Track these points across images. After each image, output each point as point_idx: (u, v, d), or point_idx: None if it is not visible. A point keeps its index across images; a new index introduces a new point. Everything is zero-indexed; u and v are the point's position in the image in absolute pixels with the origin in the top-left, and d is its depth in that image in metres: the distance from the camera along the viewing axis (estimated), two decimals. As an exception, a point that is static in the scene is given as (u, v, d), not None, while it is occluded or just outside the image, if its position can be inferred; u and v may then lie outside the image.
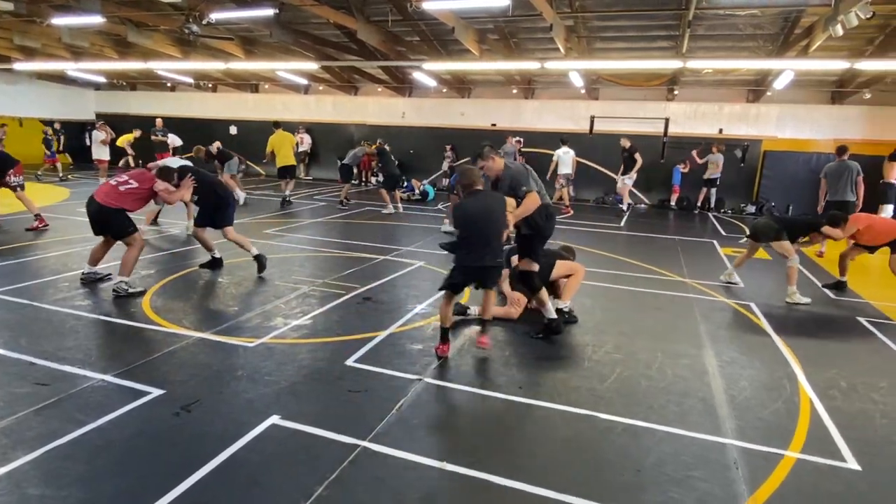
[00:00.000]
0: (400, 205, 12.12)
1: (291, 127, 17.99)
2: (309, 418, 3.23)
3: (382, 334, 4.62)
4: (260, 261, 6.31)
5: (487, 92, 16.91)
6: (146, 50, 13.98)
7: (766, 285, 6.95)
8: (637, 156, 12.89)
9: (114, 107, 21.19)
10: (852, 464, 3.02)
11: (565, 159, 13.24)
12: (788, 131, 14.20)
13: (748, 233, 6.60)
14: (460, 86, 16.80)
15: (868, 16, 6.74)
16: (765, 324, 5.35)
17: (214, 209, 6.37)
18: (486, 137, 15.58)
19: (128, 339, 4.38)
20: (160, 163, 6.87)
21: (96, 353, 4.10)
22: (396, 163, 16.84)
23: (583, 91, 15.15)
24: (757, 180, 14.41)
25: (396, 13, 10.64)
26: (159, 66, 15.40)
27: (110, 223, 5.42)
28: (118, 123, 19.20)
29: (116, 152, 15.40)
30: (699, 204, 14.21)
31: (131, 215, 5.53)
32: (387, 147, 13.03)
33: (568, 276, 5.25)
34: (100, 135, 14.03)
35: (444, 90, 16.86)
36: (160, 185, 5.55)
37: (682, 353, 4.56)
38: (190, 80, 19.24)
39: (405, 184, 16.24)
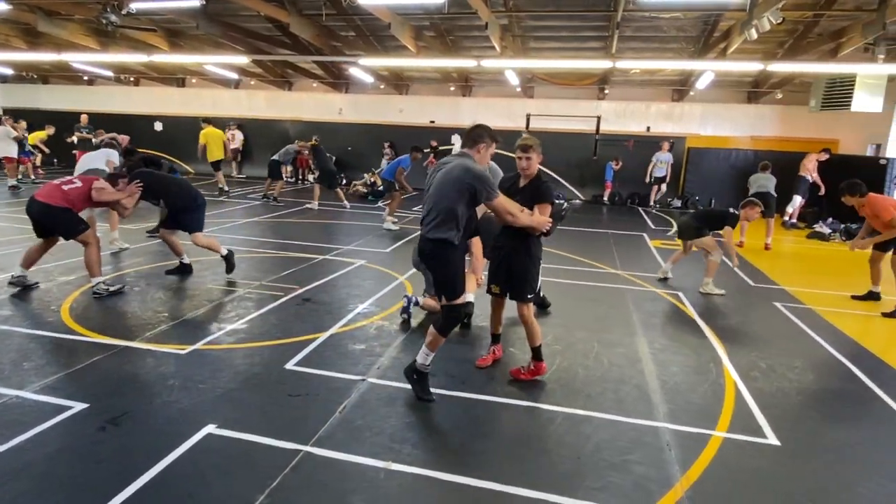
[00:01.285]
0: (346, 202, 12.00)
1: (222, 123, 17.33)
2: (247, 425, 3.12)
3: (323, 336, 4.53)
4: (229, 261, 6.10)
5: (425, 89, 16.90)
6: (59, 40, 13.02)
7: (694, 275, 7.32)
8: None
9: (23, 101, 19.60)
10: (772, 439, 3.24)
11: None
12: (710, 129, 15.04)
13: (677, 233, 6.96)
14: (398, 82, 16.71)
15: (779, 21, 7.23)
16: (692, 312, 5.65)
17: (179, 212, 6.05)
18: (425, 135, 15.62)
19: (46, 351, 4.08)
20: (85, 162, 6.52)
21: (10, 367, 3.78)
22: (333, 159, 16.63)
23: (518, 89, 15.43)
24: (682, 175, 15.16)
25: (330, 7, 10.45)
26: (74, 59, 14.41)
27: (57, 223, 5.23)
28: (28, 119, 17.85)
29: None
30: (652, 202, 14.60)
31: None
32: (321, 145, 12.81)
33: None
34: (10, 131, 12.93)
35: (382, 87, 16.71)
36: (98, 184, 5.31)
37: (617, 342, 4.74)
38: (109, 74, 18.09)
39: (343, 181, 16.03)
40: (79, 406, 3.24)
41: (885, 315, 5.80)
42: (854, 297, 6.30)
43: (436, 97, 16.66)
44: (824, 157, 11.44)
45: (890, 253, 6.00)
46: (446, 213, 3.31)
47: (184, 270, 6.18)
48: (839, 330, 5.31)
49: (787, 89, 13.85)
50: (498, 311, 4.11)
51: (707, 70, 11.58)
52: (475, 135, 3.49)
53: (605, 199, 14.97)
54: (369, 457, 2.88)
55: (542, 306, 5.51)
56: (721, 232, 6.46)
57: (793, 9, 8.99)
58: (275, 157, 12.58)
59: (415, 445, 3.05)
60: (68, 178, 5.44)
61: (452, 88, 16.35)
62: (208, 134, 12.78)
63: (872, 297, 6.19)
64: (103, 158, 7.31)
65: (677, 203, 14.84)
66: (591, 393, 3.75)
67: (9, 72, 18.63)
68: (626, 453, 3.03)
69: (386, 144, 16.16)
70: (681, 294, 6.25)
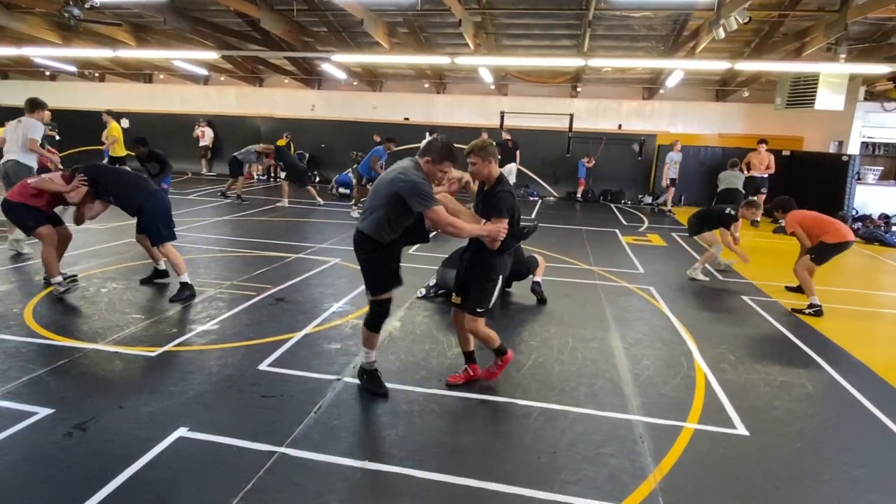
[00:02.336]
0: (320, 199, 11.98)
1: (191, 119, 17.00)
2: (220, 428, 3.07)
3: (298, 335, 4.48)
4: (183, 290, 5.23)
5: (399, 86, 16.82)
6: (19, 34, 12.54)
7: (664, 270, 7.47)
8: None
9: (-19, 97, 18.89)
10: (742, 430, 3.33)
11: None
12: (680, 126, 15.32)
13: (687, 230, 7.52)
14: (371, 79, 16.59)
15: (745, 20, 7.39)
16: (663, 306, 5.75)
17: (135, 213, 5.29)
18: (400, 131, 15.53)
19: (8, 356, 3.93)
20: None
21: (-32, 373, 3.65)
22: (307, 156, 16.44)
23: (492, 87, 15.47)
24: (653, 172, 15.41)
25: (302, 2, 10.32)
26: (35, 53, 13.91)
27: (12, 218, 5.26)
28: (-13, 115, 17.20)
29: None
30: (670, 207, 13.88)
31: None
32: (291, 142, 12.69)
33: None
34: None
35: (355, 83, 16.57)
36: (46, 175, 5.26)
37: (591, 336, 4.80)
38: (73, 69, 17.53)
39: (317, 178, 15.86)
40: (44, 412, 3.14)
41: (788, 289, 6.37)
42: (788, 288, 6.48)
43: (410, 94, 16.61)
44: (763, 147, 11.74)
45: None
46: (376, 211, 3.31)
47: (159, 276, 5.74)
48: (805, 323, 5.47)
49: (753, 88, 14.20)
50: (459, 324, 3.77)
51: (676, 69, 11.78)
52: (425, 148, 3.36)
53: (579, 196, 15.13)
54: (345, 456, 2.86)
55: (540, 301, 5.65)
56: (716, 231, 7.09)
57: (759, 9, 9.21)
58: (236, 154, 12.39)
59: (391, 444, 3.04)
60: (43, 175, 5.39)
61: (426, 85, 16.31)
62: (117, 129, 11.70)
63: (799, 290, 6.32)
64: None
65: (648, 199, 15.07)
66: (566, 387, 3.79)
67: (-35, 66, 17.94)
68: (601, 446, 3.07)
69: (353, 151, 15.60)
70: (652, 289, 6.35)
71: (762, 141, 11.83)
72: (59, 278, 5.18)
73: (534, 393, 3.68)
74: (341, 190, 13.89)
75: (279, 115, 17.20)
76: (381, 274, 3.49)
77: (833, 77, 10.92)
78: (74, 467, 2.68)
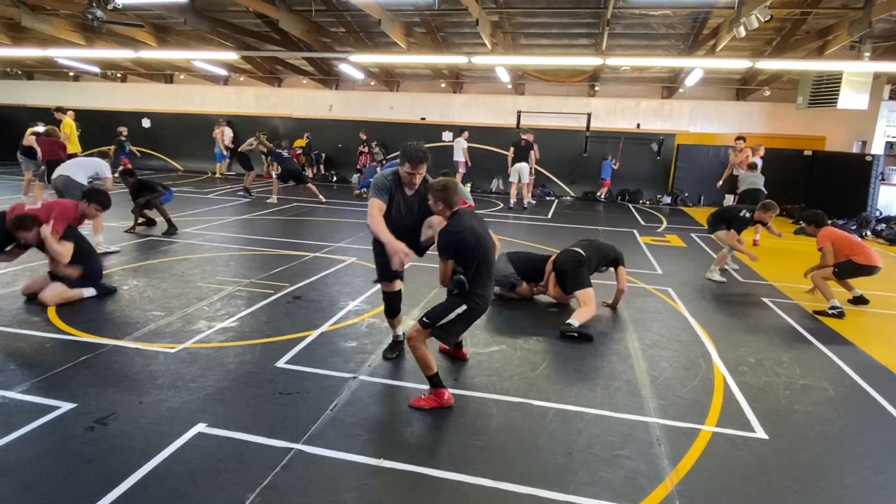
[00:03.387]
0: (321, 196, 12.26)
1: (211, 119, 17.21)
2: (238, 424, 3.11)
3: (314, 333, 4.52)
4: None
5: (416, 86, 16.85)
6: (44, 36, 12.81)
7: (682, 271, 7.38)
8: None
9: (7, 97, 19.33)
10: (760, 433, 3.28)
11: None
12: (699, 125, 15.13)
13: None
14: (388, 79, 16.64)
15: (767, 18, 7.28)
16: (682, 307, 5.69)
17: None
18: (416, 131, 15.61)
19: (33, 351, 4.03)
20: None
21: (-5, 367, 3.74)
22: (322, 156, 16.74)
23: (509, 86, 15.43)
24: (672, 172, 15.25)
25: (320, 3, 10.40)
26: (60, 54, 14.20)
27: None
28: (13, 116, 17.63)
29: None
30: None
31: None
32: (311, 142, 12.92)
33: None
34: None
35: (372, 83, 16.64)
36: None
37: (608, 337, 4.77)
38: (96, 70, 17.86)
39: (334, 177, 16.04)
40: (66, 406, 3.21)
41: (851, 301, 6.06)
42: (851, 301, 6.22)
43: (426, 94, 16.62)
44: (742, 144, 10.90)
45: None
46: None
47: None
48: (826, 325, 5.37)
49: (774, 87, 13.97)
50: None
51: (696, 67, 11.64)
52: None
53: (602, 196, 14.94)
54: (361, 454, 2.88)
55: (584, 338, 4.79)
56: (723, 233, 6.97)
57: (780, 6, 9.06)
58: (239, 149, 12.99)
59: (406, 442, 3.05)
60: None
61: (443, 85, 16.31)
62: (70, 125, 11.04)
63: (860, 301, 6.13)
64: (92, 170, 7.22)
65: (667, 199, 14.92)
66: (582, 389, 3.77)
67: (-8, 68, 18.37)
68: (617, 448, 3.05)
69: (374, 143, 16.03)
70: (671, 290, 6.29)
71: (740, 137, 11.07)
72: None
73: (549, 393, 3.67)
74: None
75: (297, 115, 17.34)
76: (376, 263, 3.87)
77: (857, 75, 10.70)
78: (96, 461, 2.73)
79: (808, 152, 14.25)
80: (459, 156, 14.10)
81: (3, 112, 18.53)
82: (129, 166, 10.92)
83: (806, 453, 3.13)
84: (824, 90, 11.20)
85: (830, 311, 5.61)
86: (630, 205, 14.59)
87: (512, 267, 5.60)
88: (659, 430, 3.26)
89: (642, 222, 11.57)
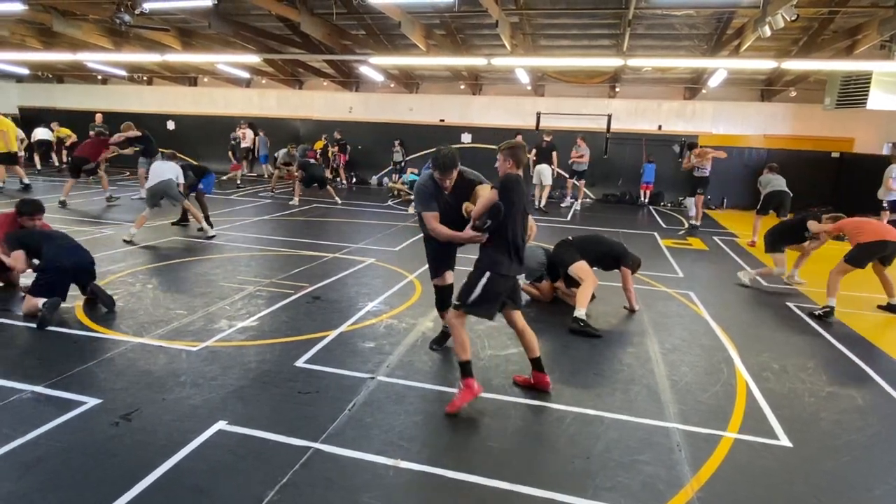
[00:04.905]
0: (338, 198, 12.50)
1: (233, 121, 17.46)
2: (258, 422, 3.14)
3: (333, 333, 4.55)
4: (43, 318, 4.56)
5: (435, 87, 16.90)
6: (74, 40, 13.16)
7: (704, 275, 7.28)
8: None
9: (38, 101, 19.87)
10: (784, 441, 3.21)
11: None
12: (722, 127, 14.90)
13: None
14: (408, 81, 16.71)
15: (793, 18, 7.15)
16: (703, 311, 5.60)
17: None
18: (436, 133, 15.66)
19: (60, 348, 4.13)
20: None
21: (24, 362, 3.84)
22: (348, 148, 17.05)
23: (529, 87, 15.38)
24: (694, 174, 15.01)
25: (341, 6, 10.48)
26: (89, 58, 14.57)
27: None
28: (44, 118, 18.09)
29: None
30: None
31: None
32: (328, 144, 13.16)
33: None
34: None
35: (392, 85, 16.73)
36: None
37: (627, 341, 4.72)
38: (123, 73, 18.27)
39: (354, 179, 16.18)
40: (92, 401, 3.28)
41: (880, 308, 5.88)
42: (880, 308, 6.06)
43: (446, 95, 16.66)
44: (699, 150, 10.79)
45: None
46: None
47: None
48: (853, 331, 5.25)
49: (801, 87, 13.70)
50: (512, 325, 3.72)
51: (719, 68, 11.47)
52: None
53: (645, 199, 14.80)
54: (378, 454, 2.89)
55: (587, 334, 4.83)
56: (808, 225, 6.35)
57: (807, 6, 8.89)
58: (278, 162, 13.62)
59: (423, 443, 3.05)
60: None
61: (462, 87, 16.33)
62: (5, 122, 11.49)
63: (894, 309, 5.96)
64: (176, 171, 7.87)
65: (689, 202, 14.70)
66: (601, 393, 3.73)
67: (25, 71, 18.87)
68: (636, 453, 3.01)
69: (396, 142, 16.18)
70: (692, 294, 6.20)
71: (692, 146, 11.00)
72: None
73: (568, 397, 3.64)
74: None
75: (317, 116, 17.51)
76: (428, 261, 4.23)
77: (887, 75, 10.44)
78: (120, 456, 2.79)
79: (835, 154, 13.94)
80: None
81: (35, 114, 19.03)
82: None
83: (832, 462, 3.06)
84: (853, 90, 10.95)
85: (819, 311, 5.56)
86: (651, 207, 14.42)
87: (545, 258, 5.59)
88: (679, 436, 3.21)
89: (663, 225, 11.43)
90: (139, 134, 10.79)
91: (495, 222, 3.43)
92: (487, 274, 3.43)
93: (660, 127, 15.16)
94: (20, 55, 14.98)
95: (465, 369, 3.46)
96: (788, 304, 6.04)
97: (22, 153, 13.26)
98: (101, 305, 4.90)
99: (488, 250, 3.52)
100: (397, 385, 3.72)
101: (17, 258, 4.88)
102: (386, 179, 16.53)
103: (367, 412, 3.34)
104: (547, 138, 13.15)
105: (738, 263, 7.90)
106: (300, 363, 3.96)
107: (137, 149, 11.02)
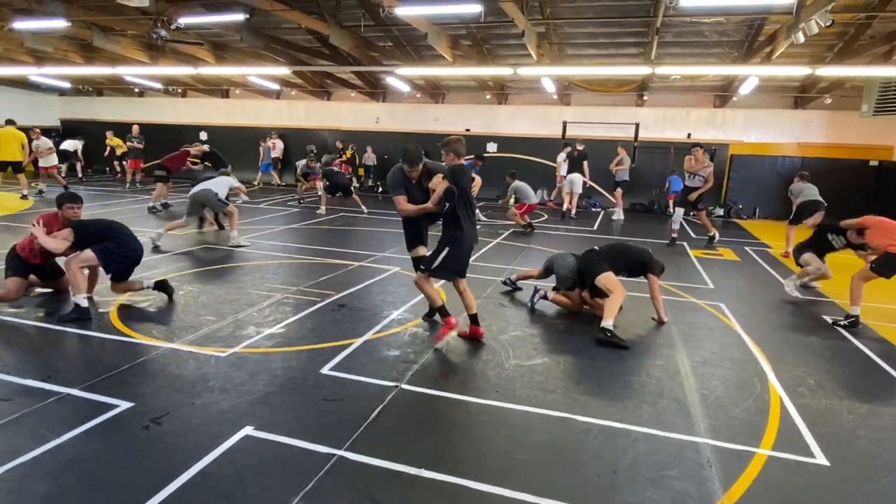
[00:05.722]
0: (364, 207, 12.61)
1: (264, 132, 17.84)
2: (283, 428, 3.17)
3: (358, 341, 4.58)
4: (72, 314, 4.83)
5: (461, 97, 16.98)
6: (113, 55, 13.66)
7: (735, 286, 7.11)
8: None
9: (79, 113, 20.64)
10: (821, 459, 3.10)
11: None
12: (754, 135, 14.60)
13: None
14: (434, 91, 16.84)
15: (827, 24, 6.98)
16: (735, 324, 5.47)
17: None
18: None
19: (94, 352, 4.25)
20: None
21: (61, 366, 3.96)
22: (371, 164, 17.21)
23: (555, 97, 15.34)
24: (725, 183, 14.75)
25: (369, 18, 10.63)
26: (127, 72, 15.06)
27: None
28: (84, 130, 18.77)
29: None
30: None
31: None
32: (356, 153, 13.37)
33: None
34: (47, 142, 13.38)
35: (418, 95, 16.88)
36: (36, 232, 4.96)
37: (656, 353, 4.63)
38: (159, 86, 18.85)
39: (380, 187, 16.33)
40: (124, 405, 3.36)
41: None
42: None
43: (471, 105, 16.73)
44: (700, 152, 9.72)
45: None
46: None
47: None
48: (894, 345, 5.05)
49: (836, 94, 13.34)
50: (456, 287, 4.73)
51: (751, 75, 11.26)
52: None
53: (673, 210, 14.47)
54: (402, 463, 2.88)
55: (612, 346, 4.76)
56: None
57: (843, 11, 8.67)
58: (298, 172, 13.93)
59: (446, 453, 3.04)
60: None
61: (488, 96, 16.38)
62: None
63: None
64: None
65: (720, 212, 14.43)
66: (628, 405, 3.67)
67: (67, 85, 19.63)
68: (665, 468, 2.94)
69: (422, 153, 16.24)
70: (723, 305, 6.06)
71: (697, 145, 9.95)
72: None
73: (594, 409, 3.59)
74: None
75: (345, 127, 17.76)
76: (405, 239, 5.18)
77: (928, 81, 10.10)
78: (149, 459, 2.85)
79: (873, 162, 13.53)
80: (562, 169, 14.03)
81: (76, 126, 19.76)
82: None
83: (871, 482, 2.94)
84: (892, 97, 10.62)
85: (842, 322, 5.38)
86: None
87: (576, 265, 5.56)
88: (710, 452, 3.13)
89: (693, 234, 11.22)
90: (206, 150, 11.21)
91: (452, 203, 4.43)
92: (447, 249, 4.48)
93: (689, 135, 14.93)
94: (63, 70, 15.59)
95: (443, 311, 4.52)
96: (825, 317, 5.85)
97: (55, 164, 13.81)
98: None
99: (448, 230, 4.54)
100: (421, 394, 3.72)
101: (61, 238, 4.93)
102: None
103: (391, 420, 3.34)
104: (579, 147, 13.12)
105: (770, 274, 7.70)
106: (325, 370, 3.99)
107: (208, 165, 11.60)
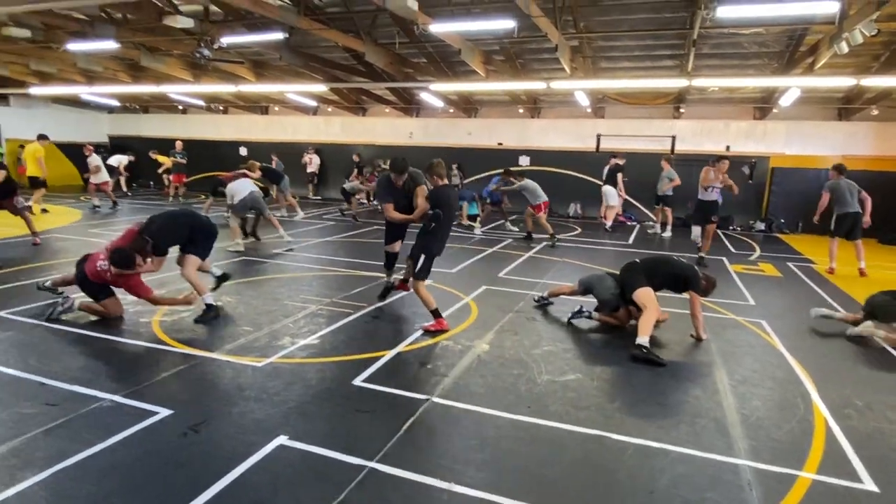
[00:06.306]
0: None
1: (301, 147, 18.24)
2: (316, 439, 3.21)
3: (390, 353, 4.61)
4: (208, 312, 5.32)
5: (493, 111, 17.06)
6: (159, 74, 14.26)
7: (778, 303, 6.88)
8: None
9: (126, 129, 21.55)
10: (869, 485, 2.96)
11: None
12: (796, 147, 14.18)
13: (866, 310, 5.63)
14: (467, 106, 16.97)
15: (873, 33, 6.78)
16: (777, 342, 5.29)
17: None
18: (493, 157, 15.79)
19: (137, 359, 4.40)
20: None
21: (105, 372, 4.11)
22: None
23: (588, 110, 15.25)
24: (766, 197, 14.35)
25: (404, 36, 10.82)
26: (172, 90, 15.70)
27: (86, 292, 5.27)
28: (130, 145, 19.58)
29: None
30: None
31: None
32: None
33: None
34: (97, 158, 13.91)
35: (451, 110, 17.03)
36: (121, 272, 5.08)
37: (694, 371, 4.51)
38: (201, 103, 19.56)
39: None
40: (164, 412, 3.46)
41: None
42: None
43: (504, 119, 16.77)
44: (726, 165, 8.98)
45: None
46: None
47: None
48: (950, 367, 4.80)
49: (883, 104, 12.87)
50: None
51: (792, 86, 10.98)
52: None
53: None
54: (433, 477, 2.88)
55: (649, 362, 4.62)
56: None
57: (888, 20, 8.39)
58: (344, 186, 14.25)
59: (478, 468, 3.02)
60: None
61: (521, 110, 16.40)
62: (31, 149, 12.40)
63: None
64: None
65: (761, 226, 14.03)
66: (664, 424, 3.58)
67: (115, 103, 20.57)
68: (704, 490, 2.86)
69: (454, 166, 16.40)
70: (764, 323, 5.87)
71: (724, 157, 9.19)
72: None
73: (629, 427, 3.51)
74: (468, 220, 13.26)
75: (379, 142, 18.03)
76: (385, 234, 6.29)
77: (985, 90, 9.64)
78: (187, 466, 2.92)
79: (925, 176, 12.95)
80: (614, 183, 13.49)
81: (123, 142, 20.62)
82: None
83: (926, 511, 2.79)
84: (944, 107, 10.17)
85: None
86: (719, 231, 13.84)
87: (616, 287, 5.44)
88: (750, 474, 3.02)
89: (732, 249, 10.93)
90: (259, 175, 11.49)
91: (437, 224, 5.17)
92: (423, 257, 5.23)
93: (728, 148, 14.61)
94: (112, 88, 16.35)
95: (436, 313, 5.21)
96: (875, 336, 5.59)
97: (109, 179, 14.32)
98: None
99: (426, 238, 5.25)
100: (452, 407, 3.71)
101: (158, 263, 5.48)
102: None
103: (422, 433, 3.34)
104: (619, 161, 12.97)
105: (815, 291, 7.43)
106: (358, 381, 4.03)
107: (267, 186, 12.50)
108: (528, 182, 11.00)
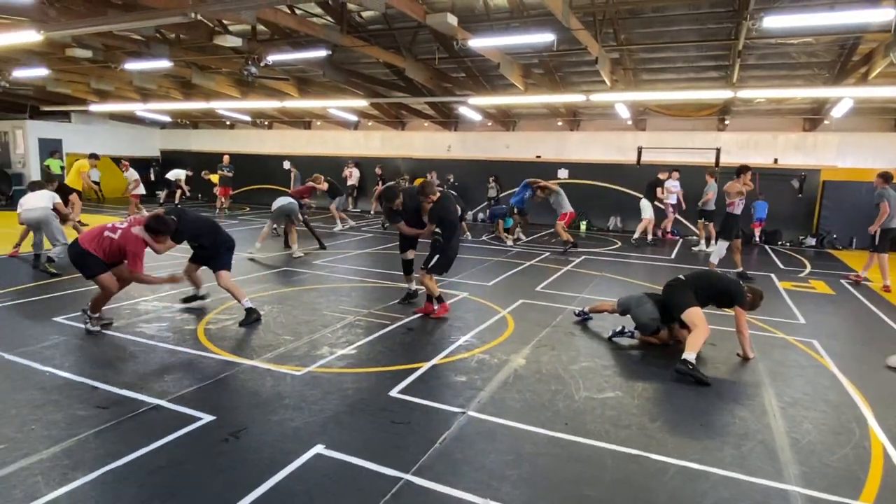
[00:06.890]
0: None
1: (342, 161, 18.62)
2: (353, 449, 3.24)
3: (426, 365, 4.62)
4: (250, 316, 5.64)
5: (532, 124, 17.02)
6: (208, 91, 14.85)
7: (830, 322, 6.58)
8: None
9: (177, 144, 22.49)
10: (934, 518, 2.78)
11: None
12: (849, 160, 13.60)
13: None
14: (505, 119, 16.99)
15: (932, 40, 6.48)
16: (829, 363, 5.05)
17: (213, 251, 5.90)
18: (531, 169, 15.72)
19: (183, 366, 4.54)
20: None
21: (153, 378, 4.26)
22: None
23: (629, 122, 15.04)
24: (817, 211, 13.80)
25: (443, 51, 10.97)
26: (220, 106, 16.31)
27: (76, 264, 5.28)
28: (181, 160, 20.40)
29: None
30: None
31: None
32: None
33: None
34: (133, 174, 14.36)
35: (489, 123, 17.08)
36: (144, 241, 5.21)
37: (740, 391, 4.35)
38: (248, 119, 20.25)
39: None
40: (207, 418, 3.56)
41: None
42: None
43: (542, 132, 16.71)
44: (748, 176, 8.81)
45: None
46: None
47: (195, 300, 6.29)
48: None
49: (946, 115, 12.25)
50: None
51: (845, 97, 10.57)
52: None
53: (757, 238, 13.72)
54: (467, 491, 2.86)
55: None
56: None
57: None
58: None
59: (514, 484, 2.98)
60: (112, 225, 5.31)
61: (560, 123, 16.31)
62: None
63: None
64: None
65: (811, 241, 13.48)
66: (708, 446, 3.45)
67: (167, 119, 21.52)
68: (749, 516, 2.74)
69: (491, 178, 16.42)
70: (816, 343, 5.61)
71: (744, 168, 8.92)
72: (97, 317, 5.31)
73: (671, 448, 3.40)
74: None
75: (417, 155, 18.23)
76: (400, 244, 6.66)
77: None
78: (227, 471, 2.98)
79: None
80: (671, 198, 13.34)
81: (174, 156, 21.51)
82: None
83: None
84: None
85: None
86: (767, 246, 13.37)
87: (656, 310, 5.26)
88: (801, 501, 2.88)
89: (781, 266, 10.53)
90: (326, 187, 11.80)
91: (440, 236, 5.93)
92: (438, 255, 5.91)
93: (776, 160, 14.15)
94: (165, 105, 17.11)
95: (440, 299, 6.07)
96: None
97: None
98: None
99: (440, 244, 5.93)
100: (488, 421, 3.68)
101: (168, 246, 5.43)
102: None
103: (458, 447, 3.32)
104: (662, 176, 12.86)
105: (870, 310, 7.07)
106: (394, 393, 4.05)
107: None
108: (561, 191, 11.41)
